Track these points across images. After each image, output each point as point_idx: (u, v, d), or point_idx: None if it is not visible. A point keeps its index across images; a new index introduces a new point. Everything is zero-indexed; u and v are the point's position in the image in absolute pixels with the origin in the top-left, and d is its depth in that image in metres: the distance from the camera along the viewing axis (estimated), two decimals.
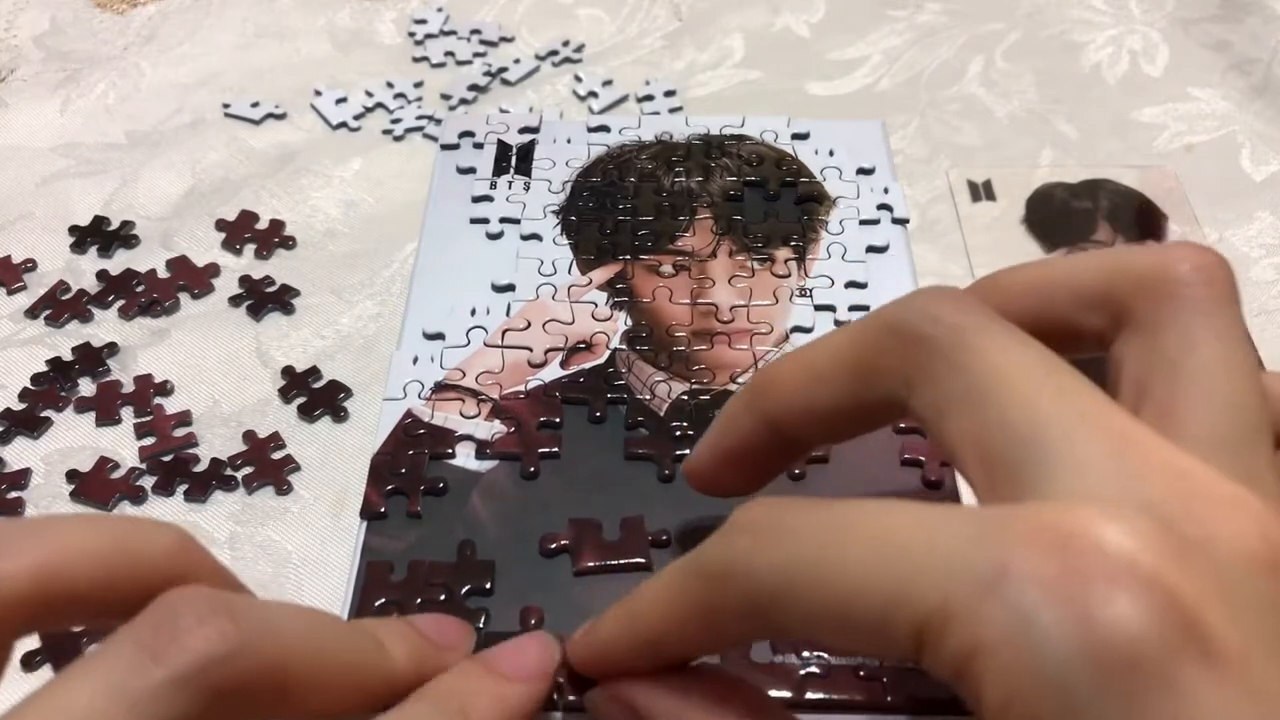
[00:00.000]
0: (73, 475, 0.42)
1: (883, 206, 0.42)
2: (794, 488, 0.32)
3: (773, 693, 0.27)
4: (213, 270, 0.50)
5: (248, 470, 0.42)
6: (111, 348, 0.47)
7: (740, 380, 0.36)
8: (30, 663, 0.36)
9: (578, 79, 0.60)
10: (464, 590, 0.29)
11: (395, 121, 0.58)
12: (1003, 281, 0.26)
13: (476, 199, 0.42)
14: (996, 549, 0.16)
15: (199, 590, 0.21)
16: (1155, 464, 0.18)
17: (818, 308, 0.38)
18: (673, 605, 0.22)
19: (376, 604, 0.29)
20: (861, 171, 0.43)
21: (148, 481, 0.42)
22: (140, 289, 0.50)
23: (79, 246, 0.52)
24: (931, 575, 0.17)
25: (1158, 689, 0.15)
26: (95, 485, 0.42)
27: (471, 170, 0.44)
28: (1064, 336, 0.23)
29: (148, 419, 0.44)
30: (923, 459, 0.33)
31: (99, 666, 0.20)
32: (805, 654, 0.27)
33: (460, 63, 0.62)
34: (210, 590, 0.21)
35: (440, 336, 0.37)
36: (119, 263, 0.51)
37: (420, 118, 0.58)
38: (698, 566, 0.21)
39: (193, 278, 0.50)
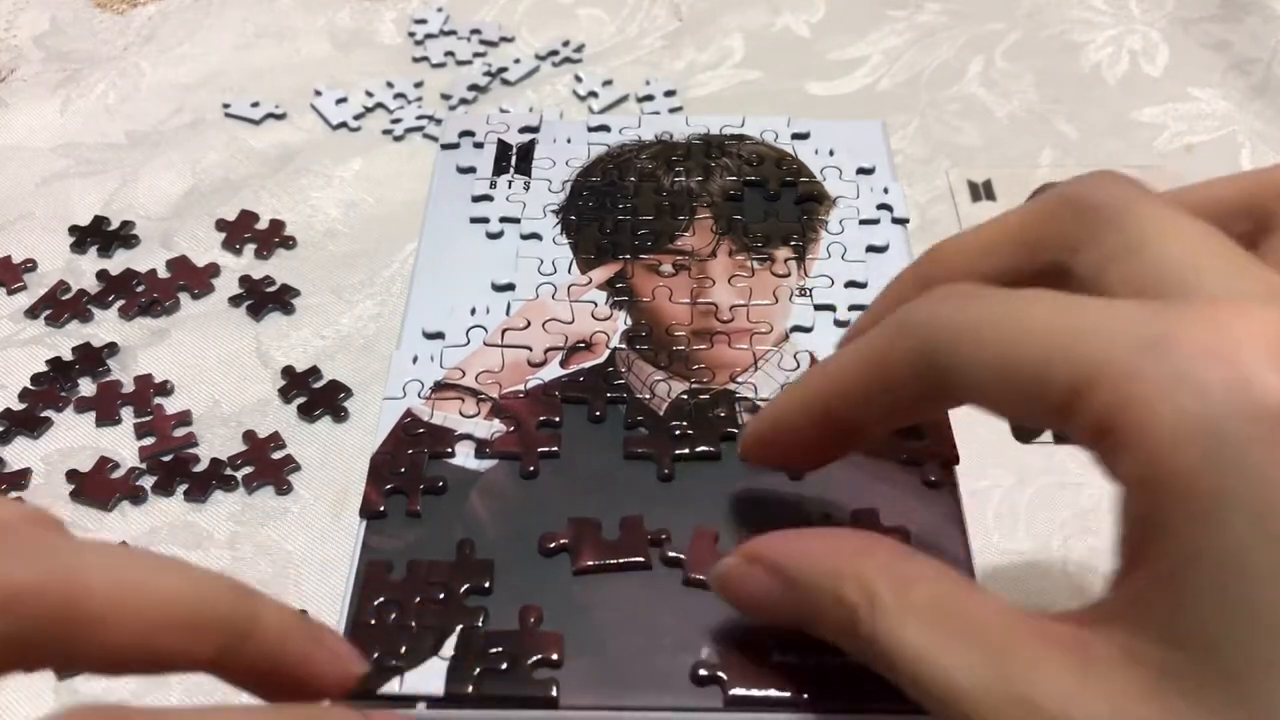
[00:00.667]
0: (73, 475, 0.42)
1: (883, 206, 0.42)
2: (794, 488, 0.32)
3: (773, 693, 0.27)
4: (213, 270, 0.50)
5: (248, 470, 0.42)
6: (111, 348, 0.47)
7: (740, 380, 0.36)
8: None
9: (578, 79, 0.60)
10: (463, 589, 0.29)
11: (395, 121, 0.58)
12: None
13: (476, 199, 0.42)
14: (1161, 322, 0.18)
15: None
16: None
17: (818, 307, 0.38)
18: (850, 363, 0.23)
19: (376, 603, 0.29)
20: (861, 171, 0.43)
21: (148, 481, 0.42)
22: (140, 289, 0.50)
23: (79, 246, 0.52)
24: (1096, 337, 0.18)
25: None
26: (95, 485, 0.42)
27: (471, 170, 0.44)
28: None
29: (148, 419, 0.44)
30: (922, 459, 0.33)
31: None
32: (805, 653, 0.27)
33: (460, 63, 0.62)
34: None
35: (440, 336, 0.37)
36: (119, 263, 0.51)
37: (420, 118, 0.58)
38: (884, 324, 0.23)
39: (193, 278, 0.50)
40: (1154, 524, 0.18)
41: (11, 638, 0.19)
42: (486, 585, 0.30)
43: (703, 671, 0.27)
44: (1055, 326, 0.19)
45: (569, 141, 0.44)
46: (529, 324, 0.37)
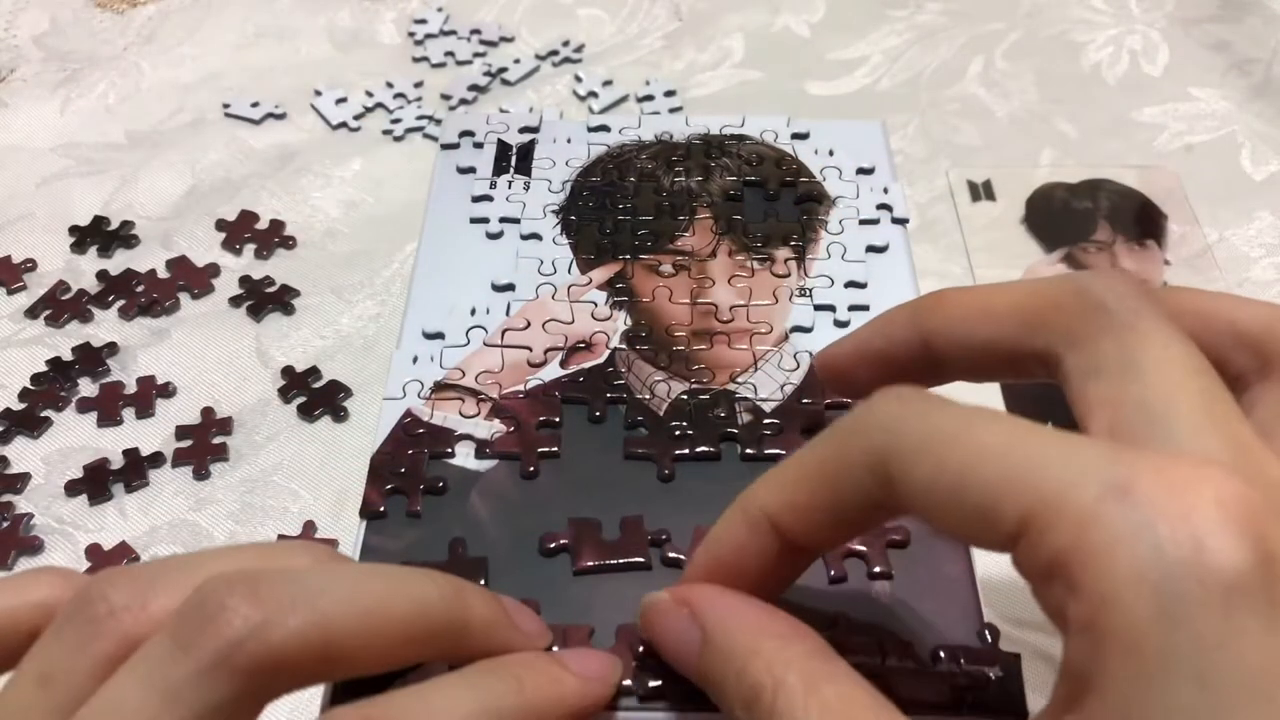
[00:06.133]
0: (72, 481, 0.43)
1: (883, 206, 0.42)
2: None
3: None
4: (213, 270, 0.50)
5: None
6: (111, 348, 0.47)
7: (740, 380, 0.36)
8: None
9: (578, 79, 0.60)
10: None
11: (395, 121, 0.58)
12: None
13: (476, 199, 0.42)
14: (1125, 469, 0.18)
15: (227, 574, 0.21)
16: (1269, 473, 0.20)
17: (817, 307, 0.38)
18: (802, 469, 0.23)
19: None
20: (861, 171, 0.43)
21: (151, 477, 0.42)
22: (140, 289, 0.50)
23: (79, 246, 0.52)
24: (1056, 472, 0.18)
25: (1249, 610, 0.17)
26: (94, 485, 0.42)
27: (471, 170, 0.44)
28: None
29: (190, 425, 0.44)
30: None
31: (139, 663, 0.20)
32: None
33: (460, 63, 0.62)
34: (239, 572, 0.21)
35: (440, 336, 0.37)
36: (119, 263, 0.51)
37: (420, 118, 0.58)
38: (835, 426, 0.22)
39: (193, 278, 0.50)
40: (1096, 672, 0.18)
41: (278, 691, 0.21)
42: (480, 584, 0.30)
43: None
44: (1015, 453, 0.19)
45: (569, 141, 0.44)
46: (529, 324, 0.37)
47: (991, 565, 0.38)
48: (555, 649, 0.27)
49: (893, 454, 0.20)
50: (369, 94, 0.59)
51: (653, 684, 0.27)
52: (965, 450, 0.19)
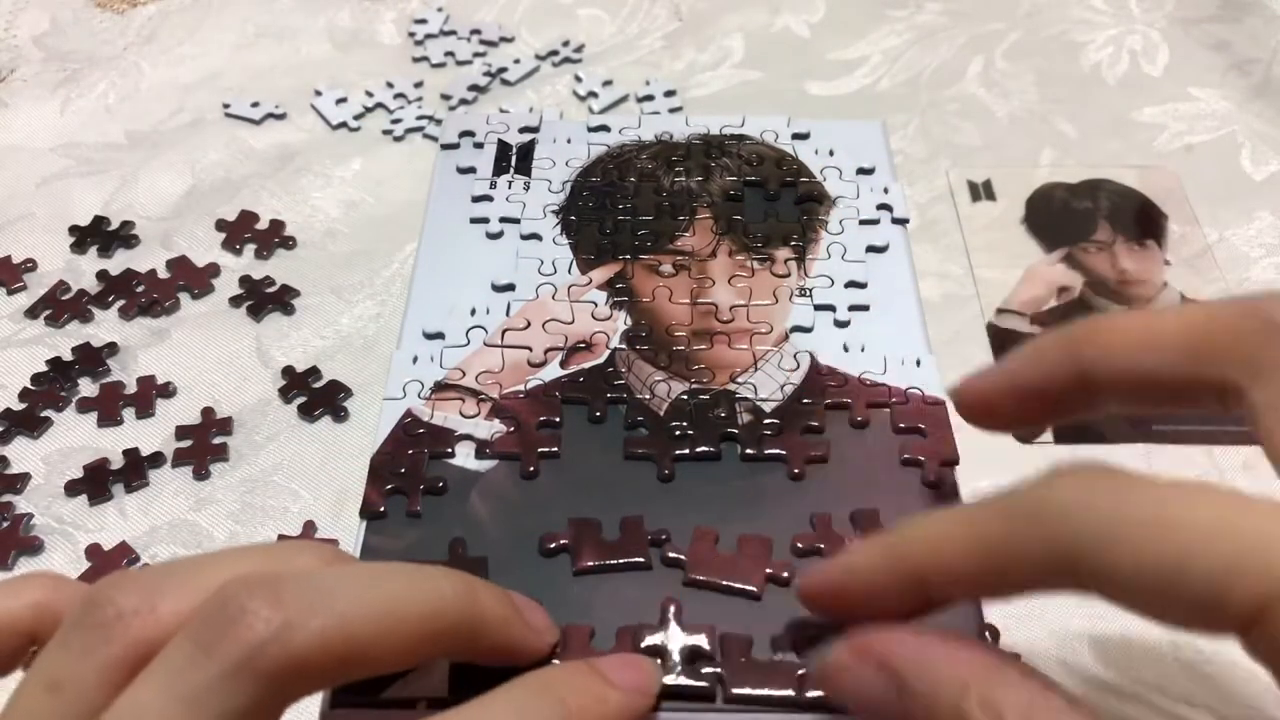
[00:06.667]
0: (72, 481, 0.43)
1: (883, 206, 0.42)
2: (794, 488, 0.32)
3: (773, 691, 0.27)
4: (213, 270, 0.50)
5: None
6: (111, 348, 0.47)
7: (740, 380, 0.36)
8: None
9: (578, 79, 0.60)
10: None
11: (395, 121, 0.58)
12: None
13: (476, 199, 0.42)
14: None
15: (246, 577, 0.21)
16: None
17: (817, 307, 0.38)
18: (960, 539, 0.21)
19: None
20: (861, 171, 0.43)
21: (151, 477, 0.42)
22: (140, 289, 0.50)
23: (79, 246, 0.52)
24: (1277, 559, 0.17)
25: None
26: (94, 485, 0.42)
27: (471, 170, 0.44)
28: None
29: (190, 425, 0.44)
30: (922, 459, 0.33)
31: (159, 668, 0.20)
32: (805, 654, 0.27)
33: (460, 63, 0.62)
34: (258, 575, 0.21)
35: (440, 336, 0.37)
36: (119, 263, 0.51)
37: (420, 118, 0.58)
38: (1005, 505, 0.21)
39: (193, 278, 0.50)
40: None
41: (299, 694, 0.21)
42: None
43: (704, 669, 0.27)
44: (1239, 536, 0.18)
45: (569, 141, 0.44)
46: (529, 324, 0.37)
47: None
48: (558, 652, 0.27)
49: (1082, 544, 0.19)
50: (369, 94, 0.59)
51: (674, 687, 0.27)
52: (1177, 536, 0.18)
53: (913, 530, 0.23)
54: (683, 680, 0.27)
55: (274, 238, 0.52)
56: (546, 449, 0.33)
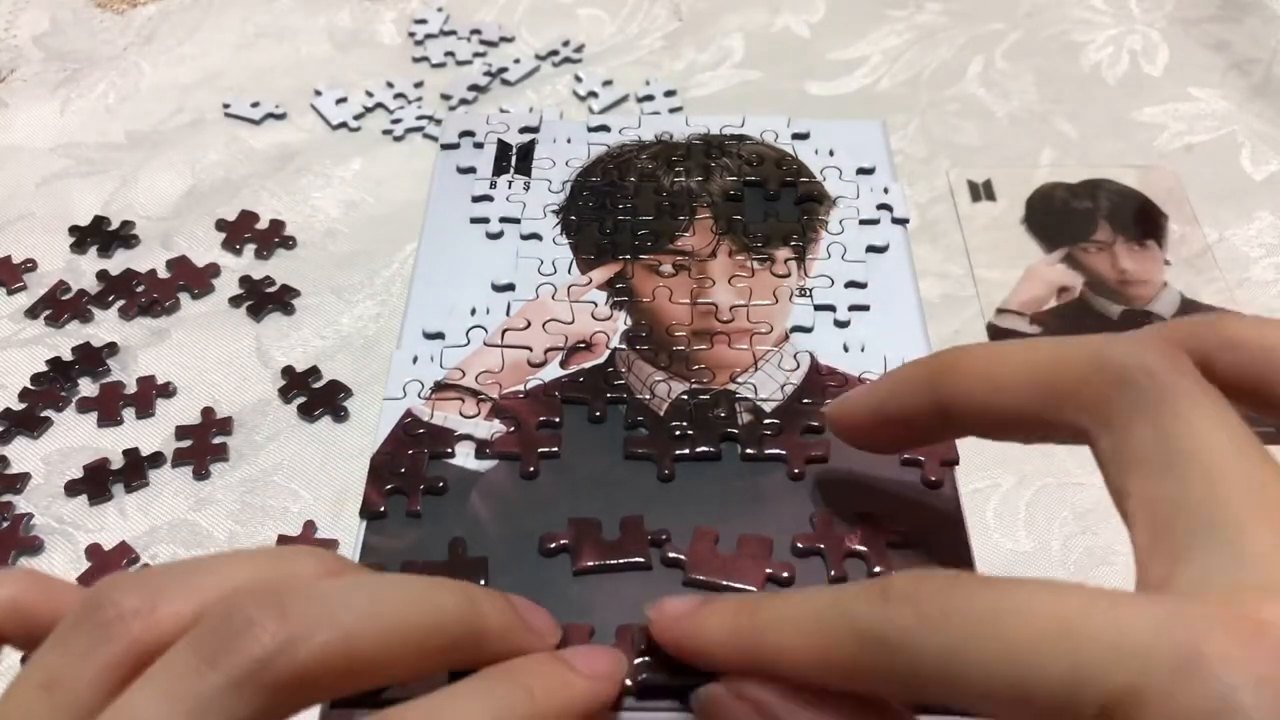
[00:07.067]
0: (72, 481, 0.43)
1: (883, 206, 0.42)
2: (794, 488, 0.32)
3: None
4: (213, 270, 0.50)
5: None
6: (111, 348, 0.47)
7: (740, 380, 0.36)
8: None
9: (578, 79, 0.60)
10: None
11: (395, 121, 0.58)
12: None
13: (476, 199, 0.42)
14: (1188, 633, 0.17)
15: (251, 587, 0.21)
16: None
17: (818, 307, 0.38)
18: (817, 650, 0.21)
19: None
20: (861, 171, 0.43)
21: (153, 477, 0.42)
22: (140, 289, 0.50)
23: (79, 246, 0.52)
24: (1120, 656, 0.17)
25: None
26: (94, 485, 0.42)
27: (471, 170, 0.44)
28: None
29: (190, 425, 0.44)
30: (922, 459, 0.33)
31: (160, 675, 0.20)
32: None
33: (460, 63, 0.62)
34: (262, 585, 0.21)
35: (440, 336, 0.37)
36: (119, 263, 0.51)
37: (420, 118, 0.58)
38: (851, 624, 0.21)
39: (193, 278, 0.50)
40: None
41: (301, 706, 0.21)
42: (481, 584, 0.30)
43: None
44: (1068, 651, 0.18)
45: (569, 141, 0.44)
46: (529, 324, 0.37)
47: (992, 565, 0.38)
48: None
49: (926, 668, 0.19)
50: (369, 94, 0.59)
51: (653, 682, 0.27)
52: (1012, 656, 0.18)
53: (771, 630, 0.22)
54: (683, 680, 0.27)
55: (274, 238, 0.52)
56: (546, 449, 0.33)
